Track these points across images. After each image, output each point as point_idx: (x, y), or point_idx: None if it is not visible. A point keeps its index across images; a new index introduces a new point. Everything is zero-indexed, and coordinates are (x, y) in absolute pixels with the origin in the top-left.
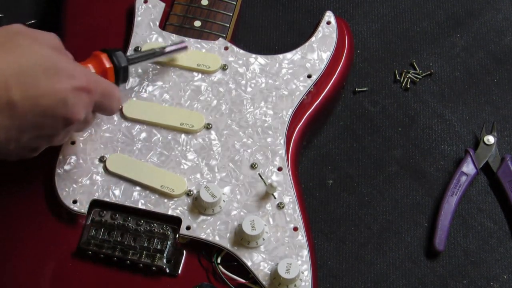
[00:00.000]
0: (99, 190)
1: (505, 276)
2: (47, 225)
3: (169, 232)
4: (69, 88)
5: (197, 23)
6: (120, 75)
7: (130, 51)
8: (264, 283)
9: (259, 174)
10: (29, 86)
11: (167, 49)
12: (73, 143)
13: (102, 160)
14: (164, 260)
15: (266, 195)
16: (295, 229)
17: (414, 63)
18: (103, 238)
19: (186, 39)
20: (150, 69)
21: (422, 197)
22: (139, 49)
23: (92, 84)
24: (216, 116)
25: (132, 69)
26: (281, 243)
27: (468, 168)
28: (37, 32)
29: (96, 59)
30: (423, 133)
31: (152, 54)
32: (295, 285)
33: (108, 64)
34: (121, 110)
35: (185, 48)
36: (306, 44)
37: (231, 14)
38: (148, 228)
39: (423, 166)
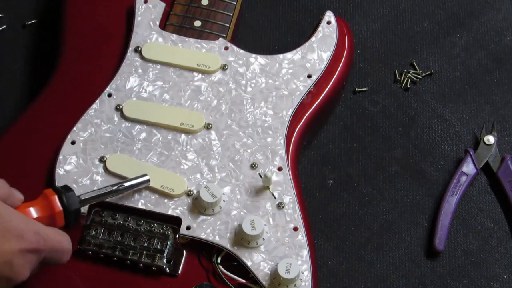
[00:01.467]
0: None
1: (505, 276)
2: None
3: (169, 232)
4: (15, 250)
5: (197, 23)
6: (71, 218)
7: (130, 51)
8: (264, 283)
9: (259, 174)
10: None
11: (126, 184)
12: (73, 143)
13: (102, 160)
14: (164, 260)
15: (266, 195)
16: (295, 229)
17: (414, 63)
18: (103, 238)
19: (186, 38)
20: (150, 69)
21: (422, 197)
22: (139, 49)
23: (41, 243)
24: (216, 116)
25: (132, 69)
26: (281, 243)
27: (468, 168)
28: None
29: (45, 201)
30: (423, 133)
31: (108, 192)
32: (295, 285)
33: (57, 208)
34: (121, 110)
35: (147, 182)
36: (306, 44)
37: (231, 14)
38: (148, 228)
39: (423, 166)
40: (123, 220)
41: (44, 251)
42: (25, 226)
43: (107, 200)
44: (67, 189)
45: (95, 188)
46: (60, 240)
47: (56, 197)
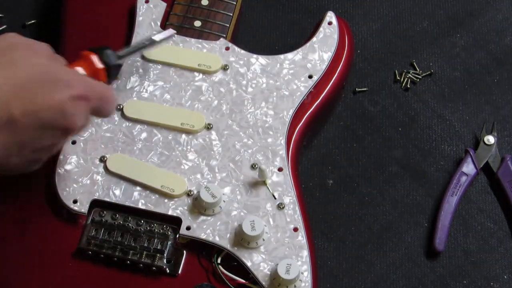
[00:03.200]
0: (99, 190)
1: (505, 276)
2: (47, 225)
3: (169, 232)
4: (67, 98)
5: (197, 23)
6: (112, 74)
7: None
8: (264, 283)
9: (259, 167)
10: (28, 100)
11: (156, 38)
12: (73, 143)
13: (102, 160)
14: (164, 260)
15: (267, 196)
16: (295, 229)
17: (414, 63)
18: (103, 238)
19: (187, 39)
20: (151, 69)
21: (422, 197)
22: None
23: (89, 91)
24: (216, 116)
25: (133, 69)
26: (281, 244)
27: (468, 168)
28: (31, 42)
29: (86, 61)
30: (423, 133)
31: (142, 46)
32: (295, 286)
33: (99, 65)
34: (121, 110)
35: (173, 34)
36: (307, 44)
37: (231, 14)
38: (148, 228)
39: (423, 166)
40: (123, 220)
41: (92, 99)
42: (72, 76)
43: (107, 200)
44: (103, 47)
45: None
46: (106, 89)
47: (96, 55)
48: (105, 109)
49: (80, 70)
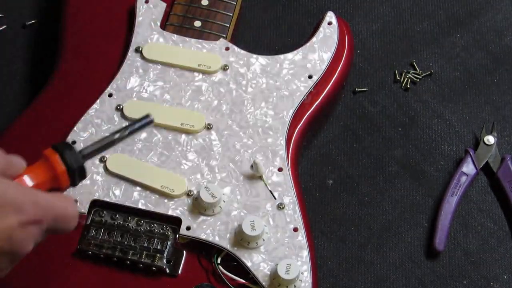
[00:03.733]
0: (99, 190)
1: (505, 276)
2: None
3: (169, 232)
4: (15, 224)
5: (197, 23)
6: (76, 176)
7: (131, 52)
8: (263, 283)
9: (251, 165)
10: None
11: (128, 131)
12: (73, 143)
13: (102, 160)
14: (164, 260)
15: (266, 196)
16: (295, 229)
17: (414, 63)
18: (103, 238)
19: (187, 39)
20: (151, 69)
21: (422, 197)
22: (140, 49)
23: (42, 213)
24: (216, 117)
25: (133, 69)
26: (281, 244)
27: (468, 168)
28: None
29: (46, 162)
30: (423, 133)
31: (112, 141)
32: (294, 286)
33: (60, 168)
34: (122, 110)
35: (150, 122)
36: (307, 44)
37: (231, 14)
38: (148, 228)
39: (423, 166)
40: (123, 220)
41: (46, 220)
42: (22, 197)
43: (107, 200)
44: (66, 146)
45: (97, 140)
46: (63, 207)
47: (57, 156)
48: (62, 228)
49: (34, 177)
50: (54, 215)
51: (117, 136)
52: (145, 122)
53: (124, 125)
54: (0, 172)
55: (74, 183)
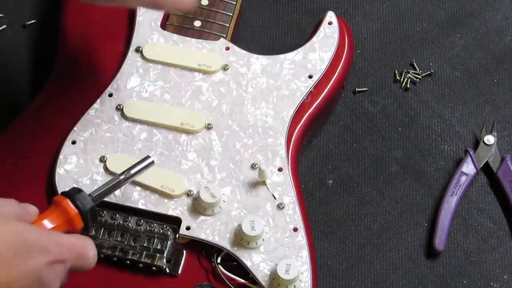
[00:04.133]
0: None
1: (505, 276)
2: None
3: (169, 232)
4: (43, 265)
5: (197, 23)
6: (88, 218)
7: (131, 51)
8: (263, 283)
9: (258, 167)
10: (2, 272)
11: (133, 171)
12: (73, 142)
13: (102, 160)
14: (164, 260)
15: (266, 196)
16: (295, 229)
17: (414, 63)
18: (103, 238)
19: (187, 39)
20: (151, 69)
21: (422, 197)
22: (140, 49)
23: (66, 252)
24: (217, 117)
25: (133, 69)
26: (280, 244)
27: (468, 168)
28: None
29: (59, 207)
30: (423, 133)
31: (118, 183)
32: (294, 286)
33: (72, 211)
34: (122, 110)
35: (152, 163)
36: (308, 44)
37: (231, 14)
38: (148, 228)
39: (423, 166)
40: (123, 220)
41: (69, 259)
42: (46, 239)
43: (107, 200)
44: (76, 190)
45: (100, 185)
46: (83, 246)
47: (68, 201)
48: (84, 266)
49: (50, 222)
50: (76, 253)
51: (122, 177)
52: (147, 163)
53: (128, 167)
54: (18, 219)
55: (87, 225)
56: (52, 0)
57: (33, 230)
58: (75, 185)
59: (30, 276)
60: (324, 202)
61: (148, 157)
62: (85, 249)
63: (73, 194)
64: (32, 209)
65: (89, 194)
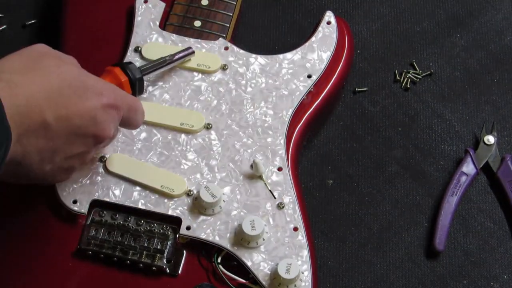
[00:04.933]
0: (99, 190)
1: (505, 276)
2: (47, 225)
3: (169, 232)
4: (98, 106)
5: (197, 23)
6: (136, 87)
7: (130, 51)
8: (264, 283)
9: (251, 165)
10: (61, 106)
11: (176, 56)
12: None
13: (102, 160)
14: (164, 260)
15: (266, 195)
16: (295, 229)
17: (414, 63)
18: (103, 238)
19: (186, 39)
20: None
21: (422, 197)
22: (139, 49)
23: (119, 100)
24: (216, 116)
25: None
26: (281, 243)
27: (468, 168)
28: (59, 53)
29: (110, 74)
30: (423, 133)
31: (163, 62)
32: (295, 285)
33: (123, 78)
34: None
35: (192, 53)
36: (306, 44)
37: (231, 14)
38: (148, 228)
39: (423, 166)
40: (123, 220)
41: (122, 108)
42: (102, 85)
43: (107, 200)
44: (126, 62)
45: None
46: (134, 100)
47: (119, 68)
48: (134, 119)
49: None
50: (128, 103)
51: (168, 58)
52: (189, 52)
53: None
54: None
55: (135, 94)
56: (52, 0)
57: (91, 75)
58: (75, 186)
59: (87, 114)
60: (324, 202)
61: (189, 47)
62: (136, 103)
63: (124, 64)
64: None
65: (138, 67)
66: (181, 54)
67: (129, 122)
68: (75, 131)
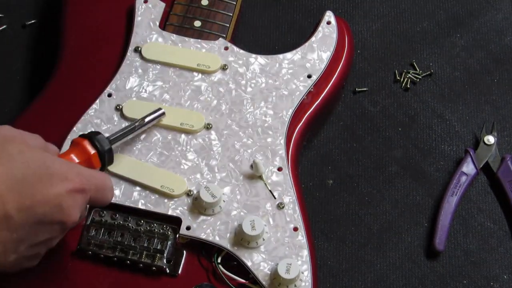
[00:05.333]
0: None
1: (505, 276)
2: None
3: (169, 232)
4: (63, 192)
5: (197, 23)
6: (106, 158)
7: (130, 51)
8: (264, 283)
9: (251, 165)
10: (25, 196)
11: (147, 119)
12: None
13: None
14: (164, 260)
15: (266, 195)
16: (295, 229)
17: (414, 63)
18: (103, 238)
19: (186, 39)
20: (150, 69)
21: (422, 197)
22: (139, 49)
23: (86, 183)
24: (216, 116)
25: (132, 69)
26: (281, 243)
27: (468, 168)
28: (24, 135)
29: (78, 147)
30: (423, 133)
31: (133, 128)
32: (295, 285)
33: (92, 151)
34: (121, 110)
35: (163, 114)
36: (306, 44)
37: (231, 14)
38: (148, 228)
39: (423, 166)
40: (123, 220)
41: (89, 190)
42: (67, 169)
43: None
44: (94, 133)
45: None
46: (103, 179)
47: (87, 141)
48: (102, 199)
49: (73, 158)
50: (95, 185)
51: (137, 123)
52: (159, 113)
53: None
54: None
55: (104, 166)
56: (52, 0)
57: (55, 159)
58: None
59: (52, 201)
60: (324, 202)
61: (160, 109)
62: (104, 182)
63: (92, 135)
64: (54, 147)
65: (107, 137)
66: (151, 117)
67: (97, 202)
68: (40, 219)
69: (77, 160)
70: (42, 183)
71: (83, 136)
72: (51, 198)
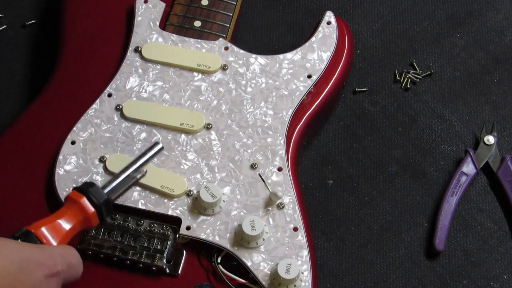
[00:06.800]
0: None
1: (505, 276)
2: None
3: (169, 232)
4: (41, 278)
5: (197, 23)
6: (104, 212)
7: (130, 51)
8: (264, 283)
9: (259, 174)
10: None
11: (143, 159)
12: (73, 143)
13: (102, 160)
14: (164, 260)
15: (266, 195)
16: (295, 229)
17: (414, 63)
18: (103, 238)
19: (186, 39)
20: (150, 69)
21: (422, 197)
22: (139, 49)
23: (59, 264)
24: (216, 116)
25: (132, 69)
26: (281, 243)
27: (468, 168)
28: None
29: (76, 205)
30: (423, 133)
31: (127, 177)
32: (295, 285)
33: (90, 209)
34: (121, 110)
35: (161, 149)
36: (306, 44)
37: (231, 14)
38: (148, 228)
39: (423, 166)
40: (123, 220)
41: (63, 270)
42: (40, 253)
43: None
44: (89, 185)
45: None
46: (72, 255)
47: (85, 199)
48: (74, 274)
49: (67, 221)
50: (67, 263)
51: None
52: (157, 149)
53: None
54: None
55: (102, 220)
56: (52, 0)
57: (26, 246)
58: (74, 185)
59: None
60: (324, 202)
61: (157, 143)
62: (74, 259)
63: (88, 189)
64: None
65: (102, 187)
66: (147, 156)
67: (70, 278)
68: None
69: (73, 222)
70: (22, 272)
71: (79, 190)
72: (33, 286)
